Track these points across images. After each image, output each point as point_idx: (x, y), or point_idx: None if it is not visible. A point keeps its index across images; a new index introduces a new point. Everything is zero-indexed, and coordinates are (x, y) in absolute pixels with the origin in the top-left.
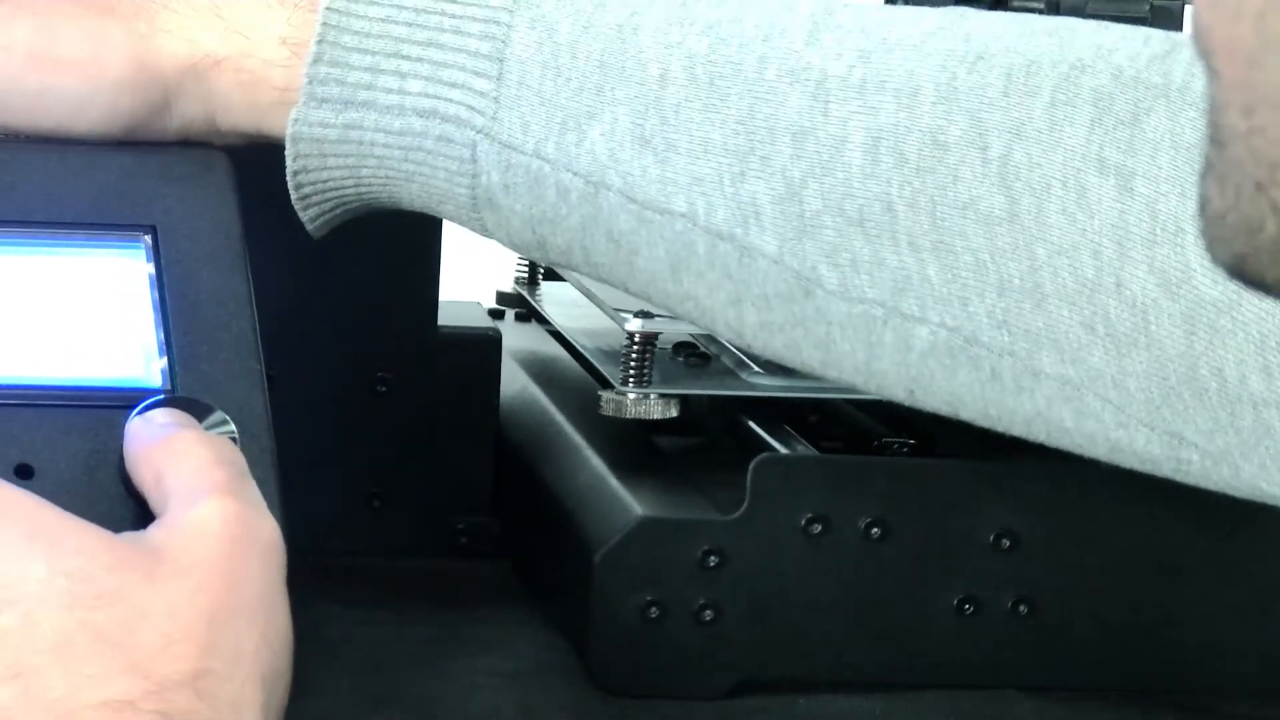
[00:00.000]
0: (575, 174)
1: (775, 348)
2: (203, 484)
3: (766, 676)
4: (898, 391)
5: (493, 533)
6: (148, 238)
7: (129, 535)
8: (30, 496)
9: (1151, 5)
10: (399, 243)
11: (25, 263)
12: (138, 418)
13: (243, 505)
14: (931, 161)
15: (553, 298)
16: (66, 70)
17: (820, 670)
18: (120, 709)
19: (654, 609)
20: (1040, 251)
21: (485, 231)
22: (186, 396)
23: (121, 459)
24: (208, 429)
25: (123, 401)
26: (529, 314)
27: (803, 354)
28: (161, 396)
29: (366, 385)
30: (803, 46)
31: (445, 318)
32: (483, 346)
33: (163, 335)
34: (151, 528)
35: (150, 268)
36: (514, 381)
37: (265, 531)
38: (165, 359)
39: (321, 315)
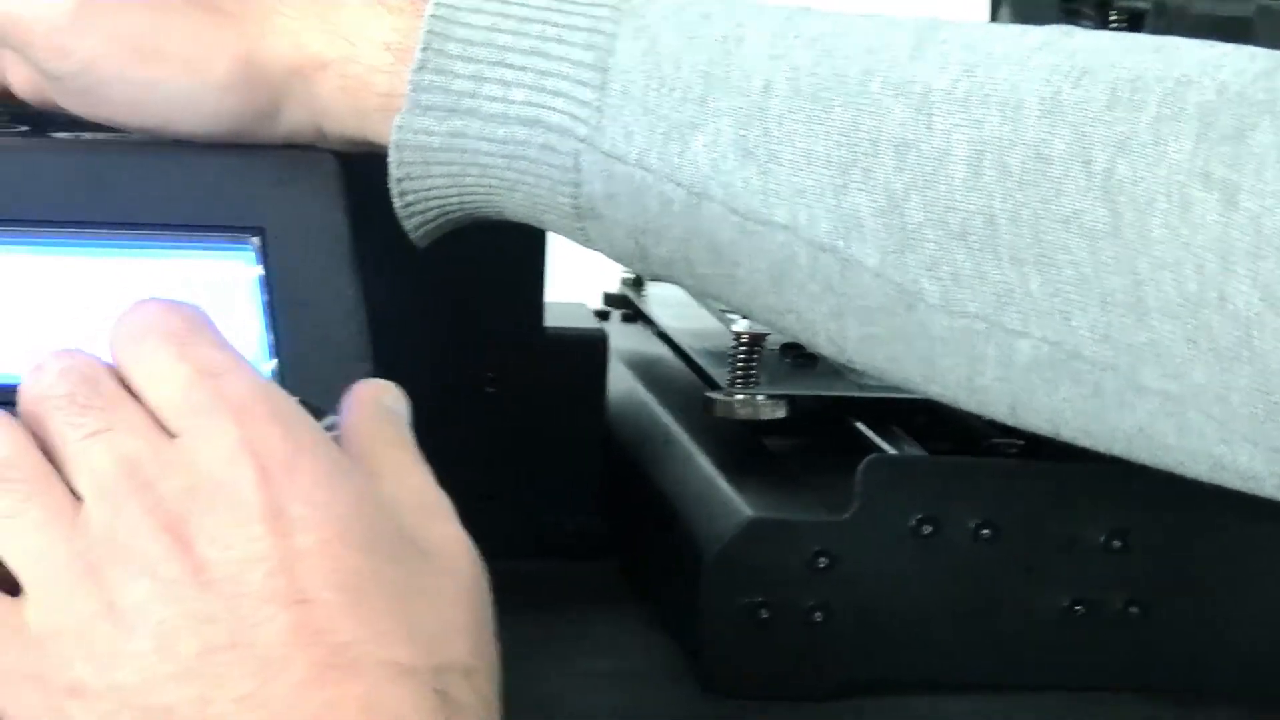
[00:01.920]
0: (678, 184)
1: (877, 361)
2: (443, 508)
3: (875, 678)
4: (1000, 408)
5: (599, 534)
6: (256, 240)
7: None
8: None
9: (1258, 6)
10: (505, 244)
11: (134, 266)
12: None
13: (469, 539)
14: (1035, 175)
15: (659, 299)
16: (173, 66)
17: (929, 671)
18: (404, 674)
19: (763, 610)
20: (1143, 265)
21: (588, 241)
22: (299, 399)
23: None
24: None
25: None
26: (635, 315)
27: (905, 368)
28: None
29: (474, 387)
30: (907, 60)
31: (552, 319)
32: (590, 347)
33: (272, 338)
34: None
35: (259, 270)
36: (621, 382)
37: (485, 573)
38: (274, 361)
39: (429, 317)
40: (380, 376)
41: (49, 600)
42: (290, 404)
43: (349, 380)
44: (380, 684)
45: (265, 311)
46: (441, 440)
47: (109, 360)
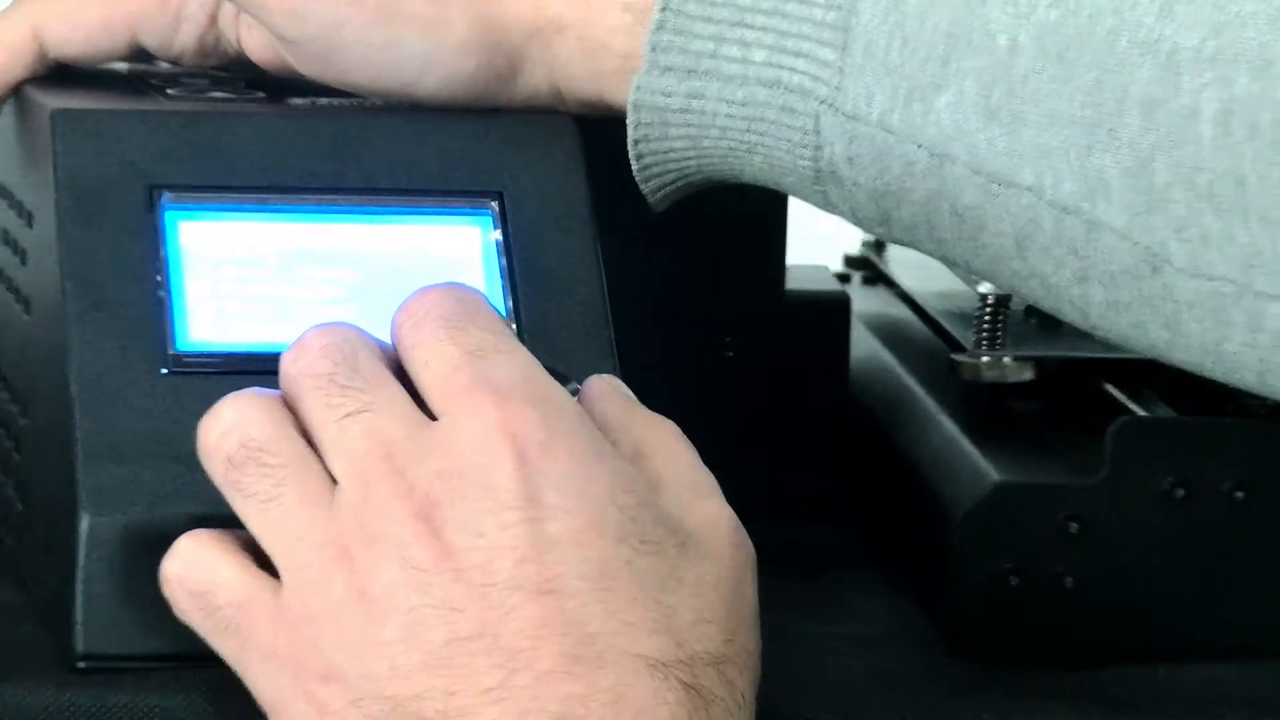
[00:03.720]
0: (920, 146)
1: (1120, 328)
2: (704, 485)
3: (1127, 644)
4: (1248, 375)
5: (840, 498)
6: (495, 204)
7: None
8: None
9: None
10: (746, 208)
11: (372, 232)
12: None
13: (737, 519)
14: None
15: (900, 260)
16: (413, 27)
17: (1182, 638)
18: (654, 668)
19: (1013, 576)
20: None
21: (828, 205)
22: (544, 364)
23: None
24: None
25: None
26: (876, 277)
27: (1149, 335)
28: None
29: (714, 351)
30: (1154, 19)
31: (793, 281)
32: (832, 309)
33: (510, 303)
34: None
35: (498, 234)
36: (862, 346)
37: (751, 548)
38: (514, 327)
39: (667, 282)
40: (619, 343)
41: (304, 584)
42: (553, 388)
43: (589, 345)
44: (628, 677)
45: (504, 276)
46: (680, 406)
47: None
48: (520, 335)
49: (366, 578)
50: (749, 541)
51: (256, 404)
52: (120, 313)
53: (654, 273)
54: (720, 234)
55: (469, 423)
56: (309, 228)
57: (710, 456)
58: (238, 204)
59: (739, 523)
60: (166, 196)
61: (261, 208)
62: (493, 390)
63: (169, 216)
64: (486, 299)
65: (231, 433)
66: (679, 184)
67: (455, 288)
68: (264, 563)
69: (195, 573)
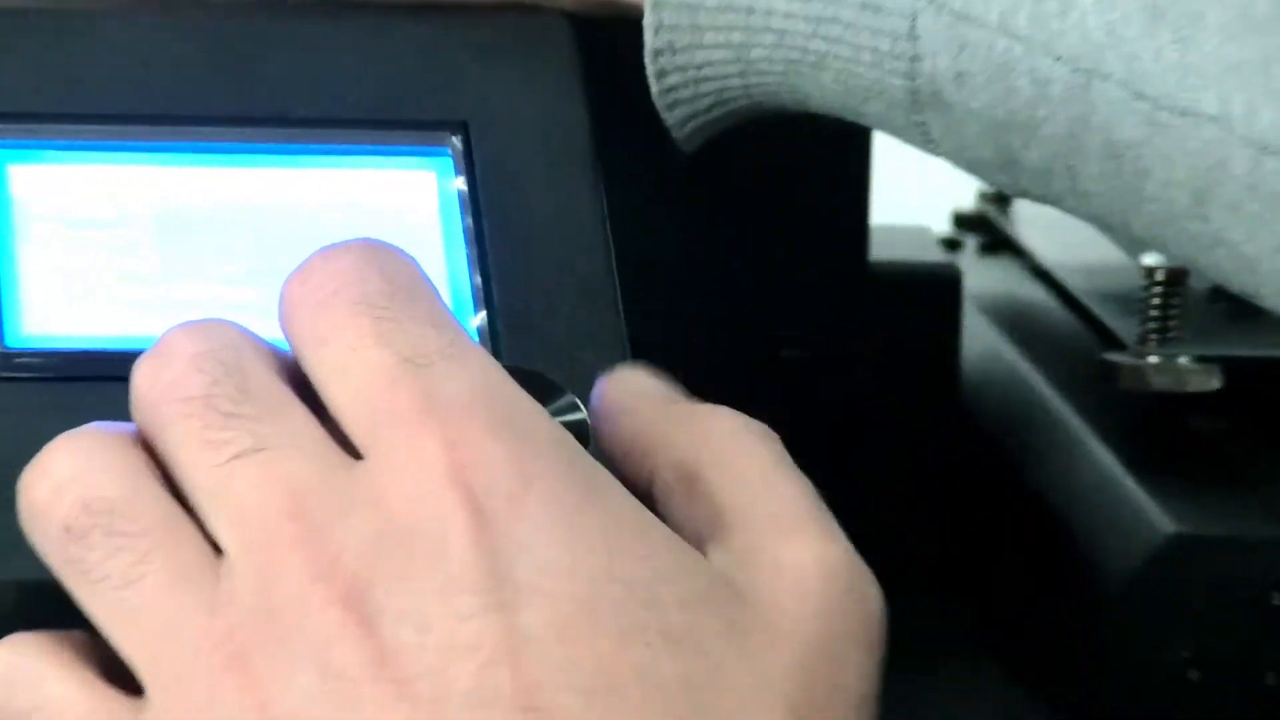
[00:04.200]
0: (1058, 59)
1: None
2: (789, 509)
3: None
4: None
5: (944, 553)
6: (456, 139)
7: (703, 556)
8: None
9: None
10: (811, 145)
11: (284, 180)
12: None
13: (848, 558)
14: None
15: (1031, 218)
16: None
17: None
18: None
19: (1193, 669)
20: None
21: (928, 142)
22: (520, 367)
23: None
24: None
25: None
26: (997, 243)
27: None
28: None
29: (774, 347)
30: None
31: (880, 249)
32: (934, 289)
33: (478, 280)
34: (715, 551)
35: (460, 183)
36: (979, 338)
37: (872, 601)
38: (483, 313)
39: (704, 250)
40: (634, 338)
41: (177, 704)
42: (526, 409)
43: (589, 340)
44: None
45: (468, 243)
46: None
47: (270, 336)
48: (492, 327)
49: (269, 692)
50: (868, 596)
51: (102, 446)
52: None
53: (685, 241)
54: (776, 184)
55: (408, 463)
56: (192, 174)
57: None
58: (93, 140)
59: (850, 567)
60: None
61: (127, 145)
62: (443, 416)
63: None
64: (421, 270)
65: (67, 490)
66: (716, 111)
67: (373, 248)
68: (119, 672)
69: (15, 693)
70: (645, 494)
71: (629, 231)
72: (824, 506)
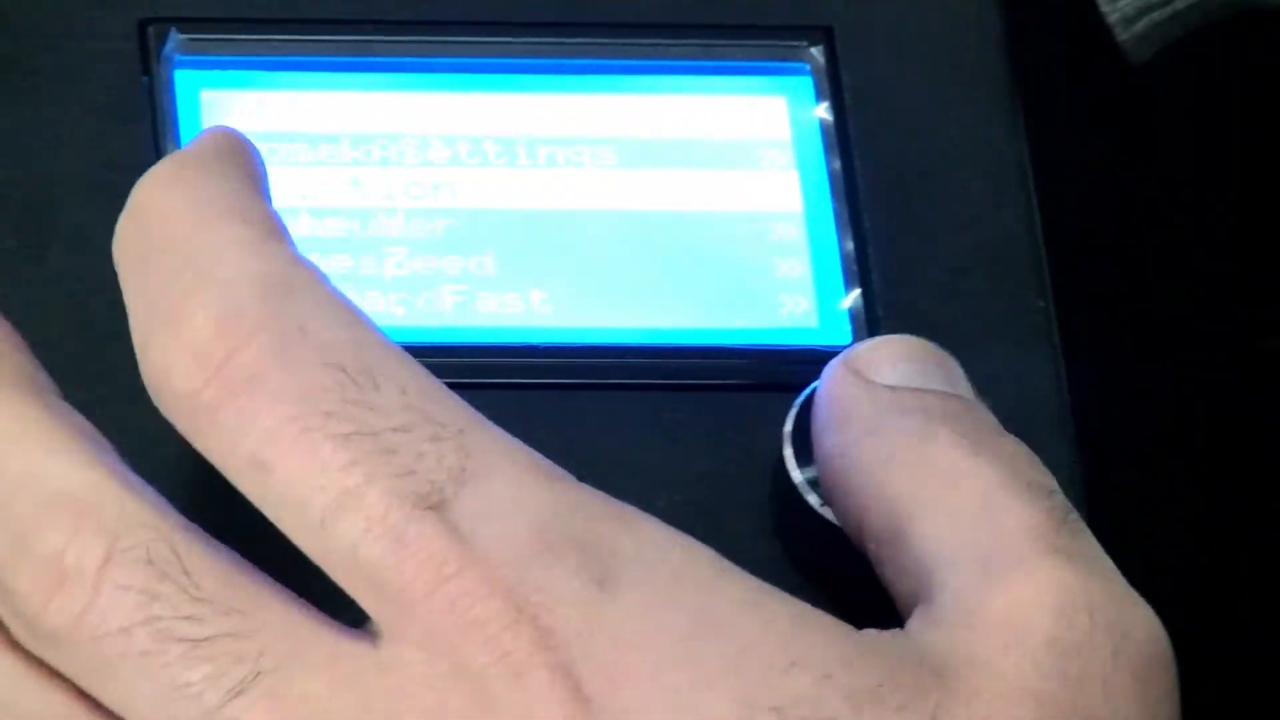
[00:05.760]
0: None
1: None
2: (1008, 541)
3: None
4: None
5: None
6: (816, 51)
7: (880, 635)
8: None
9: None
10: None
11: (578, 108)
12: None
13: (1095, 584)
14: None
15: None
16: None
17: None
18: None
19: None
20: None
21: None
22: None
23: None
24: None
25: (780, 367)
26: None
27: None
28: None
29: (1250, 334)
30: None
31: None
32: None
33: (849, 246)
34: (917, 622)
35: (823, 111)
36: None
37: (1138, 634)
38: (856, 293)
39: (1163, 211)
40: (1069, 321)
41: None
42: (582, 518)
43: (1003, 329)
44: None
45: (835, 197)
46: (1182, 443)
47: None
48: (869, 312)
49: None
50: (1133, 629)
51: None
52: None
53: (1130, 194)
54: (1257, 120)
55: (456, 659)
56: (422, 101)
57: (1224, 534)
58: (307, 56)
59: (1099, 595)
60: (174, 41)
61: (344, 63)
62: (487, 578)
63: (182, 79)
64: (386, 343)
65: None
66: (1180, 3)
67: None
68: None
69: None
70: (857, 542)
71: (1057, 184)
72: (1070, 523)
